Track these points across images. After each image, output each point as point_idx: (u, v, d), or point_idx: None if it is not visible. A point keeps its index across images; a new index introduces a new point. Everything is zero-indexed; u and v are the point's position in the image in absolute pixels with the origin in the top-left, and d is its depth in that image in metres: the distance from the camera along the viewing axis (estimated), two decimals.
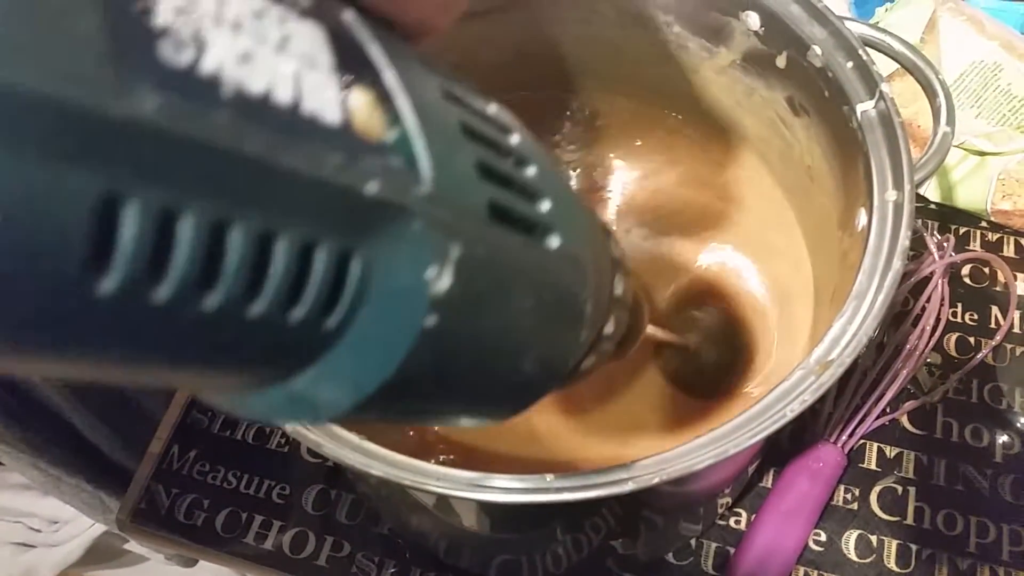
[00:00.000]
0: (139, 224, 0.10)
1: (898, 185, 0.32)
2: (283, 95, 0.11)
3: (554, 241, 0.17)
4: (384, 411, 0.15)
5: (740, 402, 0.41)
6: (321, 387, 0.14)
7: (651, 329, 0.30)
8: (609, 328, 0.22)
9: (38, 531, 0.80)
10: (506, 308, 0.16)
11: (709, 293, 0.44)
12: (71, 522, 0.78)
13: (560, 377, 0.20)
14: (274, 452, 0.48)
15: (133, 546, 0.77)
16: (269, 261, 0.11)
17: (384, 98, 0.13)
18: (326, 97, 0.12)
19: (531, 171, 0.17)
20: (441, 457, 0.39)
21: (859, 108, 0.34)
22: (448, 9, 0.16)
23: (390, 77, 0.13)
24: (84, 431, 0.55)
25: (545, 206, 0.17)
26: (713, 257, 0.44)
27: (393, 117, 0.13)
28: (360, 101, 0.12)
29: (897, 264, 0.30)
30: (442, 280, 0.13)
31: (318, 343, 0.13)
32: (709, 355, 0.42)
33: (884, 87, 0.33)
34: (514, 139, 0.17)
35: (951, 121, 0.34)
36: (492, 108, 0.17)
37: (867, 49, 0.34)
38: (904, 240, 0.30)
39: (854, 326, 0.29)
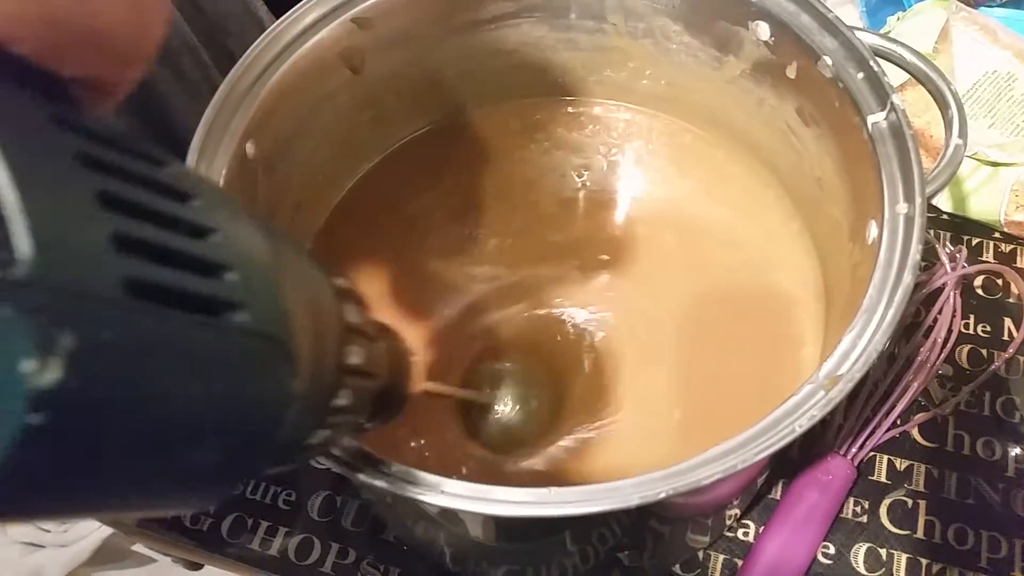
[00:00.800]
0: None
1: (909, 198, 0.32)
2: None
3: (240, 317, 0.15)
4: (6, 514, 0.14)
5: (710, 361, 0.40)
6: None
7: (436, 387, 0.29)
8: (342, 400, 0.20)
9: (47, 531, 0.81)
10: (163, 395, 0.14)
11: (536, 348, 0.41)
12: (79, 523, 0.79)
13: (264, 459, 0.18)
14: None
15: (141, 547, 0.78)
16: None
17: None
18: None
19: (214, 239, 0.15)
20: (464, 470, 0.39)
21: (870, 119, 0.33)
22: (121, 64, 0.14)
23: None
24: None
25: (230, 278, 0.15)
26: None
27: None
28: None
29: (908, 278, 0.30)
30: (47, 374, 0.12)
31: None
32: (510, 410, 0.39)
33: (895, 98, 0.33)
34: (193, 204, 0.15)
35: (963, 133, 0.34)
36: (167, 171, 0.15)
37: (878, 60, 0.34)
38: (915, 254, 0.30)
39: (864, 340, 0.29)
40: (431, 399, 0.30)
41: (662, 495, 0.26)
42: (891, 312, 0.29)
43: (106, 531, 0.75)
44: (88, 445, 0.13)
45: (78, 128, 0.14)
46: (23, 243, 0.12)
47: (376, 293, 0.43)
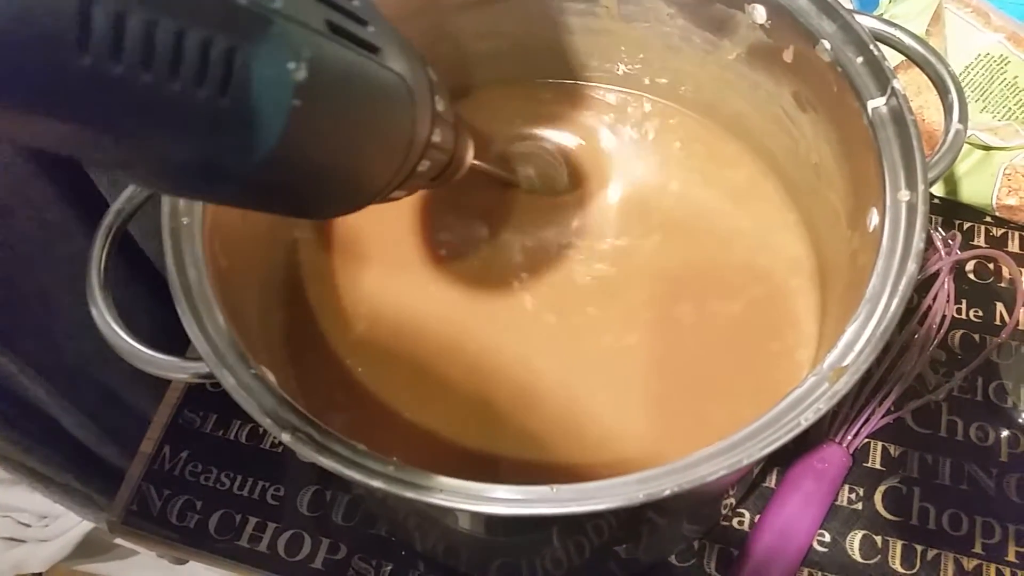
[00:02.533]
0: (103, 19, 0.15)
1: (911, 185, 0.31)
2: None
3: (380, 56, 0.23)
4: (272, 185, 0.21)
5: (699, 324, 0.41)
6: (228, 156, 0.19)
7: (480, 164, 0.37)
8: (436, 137, 0.28)
9: (27, 526, 0.79)
10: (351, 100, 0.22)
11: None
12: (61, 517, 0.77)
13: (402, 167, 0.26)
14: (268, 452, 0.47)
15: (123, 541, 0.76)
16: (183, 50, 0.17)
17: None
18: None
19: (356, 3, 0.23)
20: None
21: (870, 105, 0.33)
22: None
23: None
24: (73, 430, 0.54)
25: (371, 29, 0.23)
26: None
27: None
28: None
29: (912, 267, 0.29)
30: (300, 71, 0.19)
31: (222, 118, 0.18)
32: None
33: (896, 83, 0.32)
34: None
35: (964, 118, 0.33)
36: None
37: (878, 44, 0.34)
38: (919, 242, 0.29)
39: (868, 330, 0.29)
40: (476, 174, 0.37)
41: (667, 492, 0.26)
42: (895, 301, 0.29)
43: (87, 525, 0.73)
44: (317, 129, 0.21)
45: None
46: None
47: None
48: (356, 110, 0.22)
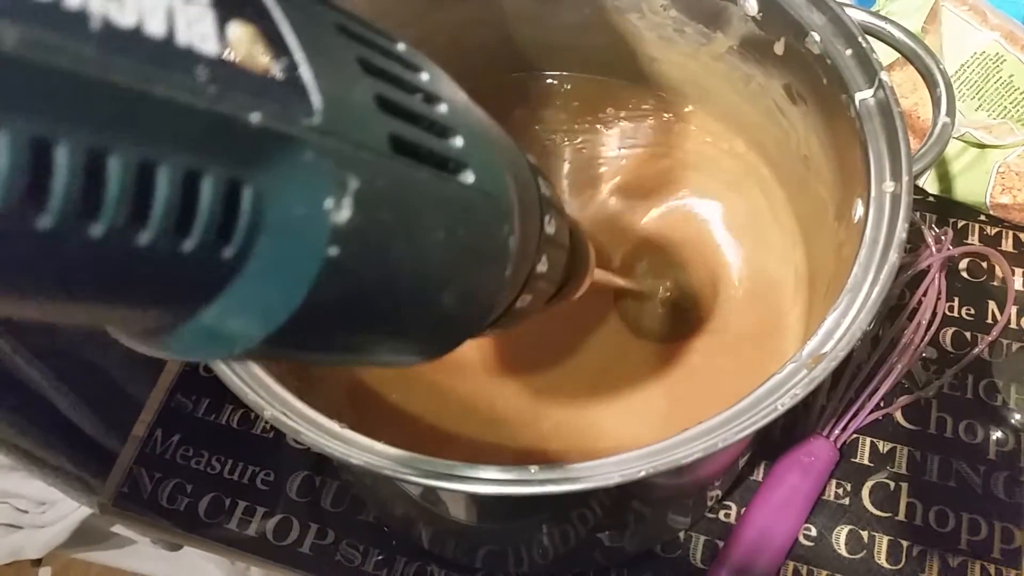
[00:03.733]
0: (10, 154, 0.10)
1: (896, 176, 0.31)
2: (155, 28, 0.11)
3: (468, 177, 0.17)
4: (298, 346, 0.15)
5: (700, 341, 0.41)
6: (231, 320, 0.14)
7: (603, 275, 0.30)
8: (542, 267, 0.22)
9: (25, 512, 0.80)
10: (418, 240, 0.16)
11: (662, 242, 0.44)
12: (58, 503, 0.78)
13: (488, 313, 0.20)
14: (259, 437, 0.48)
15: (120, 528, 0.77)
16: (152, 190, 0.11)
17: (269, 32, 0.13)
18: (202, 30, 0.12)
19: (441, 108, 0.17)
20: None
21: (858, 97, 0.33)
22: None
23: (277, 13, 0.13)
24: (67, 413, 0.54)
25: (457, 142, 0.17)
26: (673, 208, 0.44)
27: (279, 50, 0.13)
28: (240, 34, 0.12)
29: (893, 257, 0.29)
30: (342, 211, 0.13)
31: (219, 274, 0.13)
32: (667, 299, 0.42)
33: (883, 76, 0.32)
34: (423, 77, 0.17)
35: (951, 112, 0.33)
36: (400, 47, 0.17)
37: (867, 37, 0.34)
38: (901, 233, 0.29)
39: (848, 319, 0.29)
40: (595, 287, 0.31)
41: (642, 473, 0.26)
42: (876, 291, 0.29)
43: (84, 512, 0.74)
44: (365, 280, 0.15)
45: (333, 4, 0.16)
46: (316, 96, 0.13)
47: None
48: (422, 250, 0.16)
